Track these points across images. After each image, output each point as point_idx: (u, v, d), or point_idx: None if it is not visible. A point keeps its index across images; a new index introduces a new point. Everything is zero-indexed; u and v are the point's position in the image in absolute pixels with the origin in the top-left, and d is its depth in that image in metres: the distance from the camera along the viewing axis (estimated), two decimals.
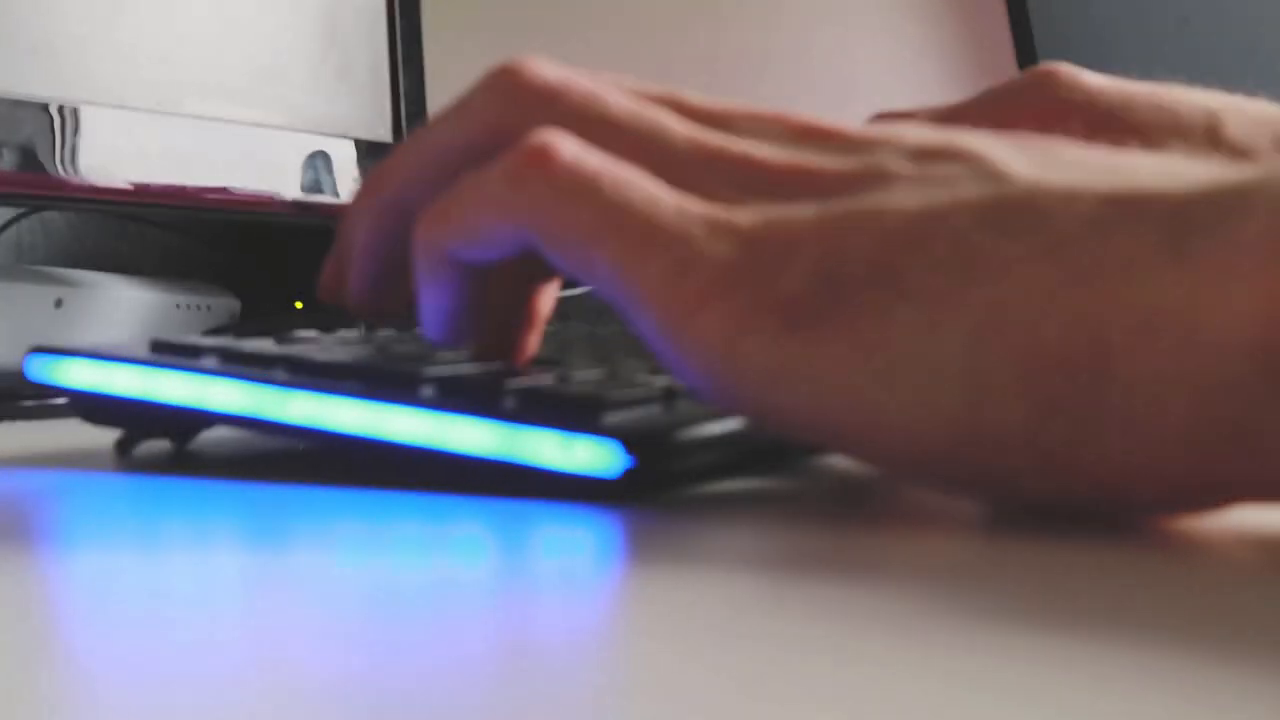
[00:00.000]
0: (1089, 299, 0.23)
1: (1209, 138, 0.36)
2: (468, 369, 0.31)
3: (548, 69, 0.29)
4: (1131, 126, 0.31)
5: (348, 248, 0.33)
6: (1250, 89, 0.38)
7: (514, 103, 0.29)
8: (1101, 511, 0.24)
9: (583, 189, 0.26)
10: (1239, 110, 0.37)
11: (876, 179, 0.26)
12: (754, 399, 0.25)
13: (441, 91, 0.65)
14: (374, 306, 0.33)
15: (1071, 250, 0.23)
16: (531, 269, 0.32)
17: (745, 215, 0.26)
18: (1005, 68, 0.87)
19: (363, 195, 0.32)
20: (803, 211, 0.26)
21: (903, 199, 0.25)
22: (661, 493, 0.29)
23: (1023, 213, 0.24)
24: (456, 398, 0.29)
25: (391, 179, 0.31)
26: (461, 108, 0.30)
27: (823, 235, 0.25)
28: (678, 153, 0.27)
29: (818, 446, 0.31)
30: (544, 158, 0.27)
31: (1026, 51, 0.89)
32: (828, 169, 0.27)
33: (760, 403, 0.25)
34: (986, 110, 0.36)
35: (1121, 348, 0.23)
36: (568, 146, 0.27)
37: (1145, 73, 0.38)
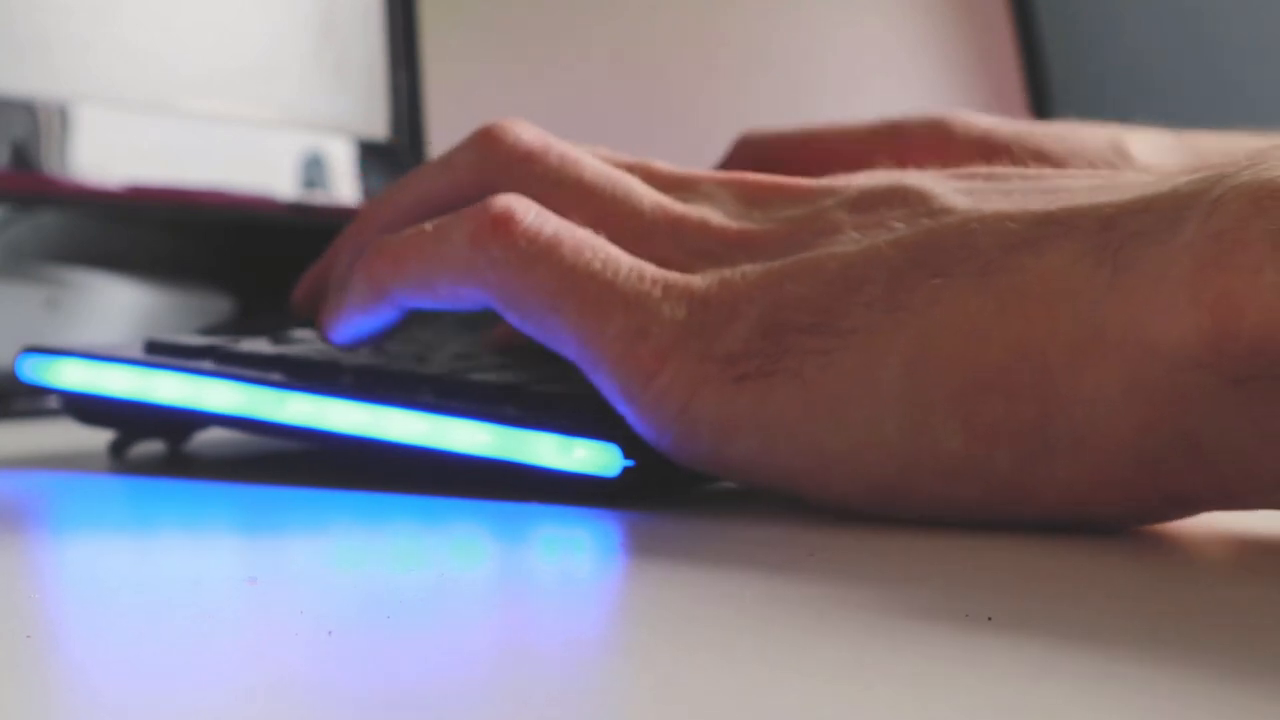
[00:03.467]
0: (1023, 323, 0.23)
1: (1115, 164, 0.36)
2: (466, 370, 0.31)
3: (528, 132, 0.30)
4: (1032, 154, 0.32)
5: (327, 274, 0.34)
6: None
7: (494, 162, 0.30)
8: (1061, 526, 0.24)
9: (542, 253, 0.27)
10: (1143, 137, 0.37)
11: (822, 230, 0.27)
12: (709, 453, 0.26)
13: (439, 88, 0.65)
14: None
15: (1003, 276, 0.24)
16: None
17: (698, 278, 0.27)
18: (1008, 61, 0.87)
19: (351, 233, 0.33)
20: (750, 271, 0.27)
21: (843, 246, 0.26)
22: (660, 494, 0.29)
23: (953, 245, 0.25)
24: (455, 399, 0.29)
25: (375, 221, 0.32)
26: (446, 162, 0.31)
27: (765, 290, 0.26)
28: (644, 217, 0.29)
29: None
30: (506, 222, 0.28)
31: (1031, 48, 0.89)
32: (774, 232, 0.28)
33: (716, 456, 0.26)
34: (882, 142, 0.36)
35: (1062, 367, 0.23)
36: (529, 211, 0.28)
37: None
